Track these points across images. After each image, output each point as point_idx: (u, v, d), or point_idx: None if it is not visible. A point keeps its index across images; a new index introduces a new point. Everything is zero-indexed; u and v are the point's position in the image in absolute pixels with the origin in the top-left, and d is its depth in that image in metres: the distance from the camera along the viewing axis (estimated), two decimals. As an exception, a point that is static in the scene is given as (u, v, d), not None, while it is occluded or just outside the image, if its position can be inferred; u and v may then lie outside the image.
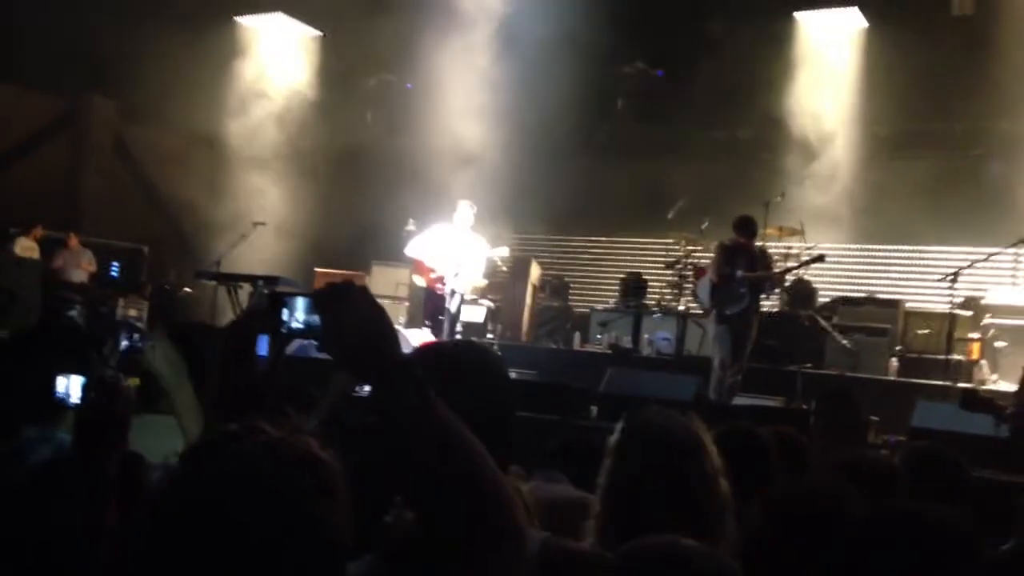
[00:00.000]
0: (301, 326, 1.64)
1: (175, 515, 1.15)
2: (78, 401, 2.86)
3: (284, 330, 1.72)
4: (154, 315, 12.45)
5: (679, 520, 2.04)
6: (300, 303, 1.70)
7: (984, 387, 9.07)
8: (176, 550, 1.13)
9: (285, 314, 1.72)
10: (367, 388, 1.31)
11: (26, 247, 12.72)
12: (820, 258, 8.92)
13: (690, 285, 10.62)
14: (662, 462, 2.18)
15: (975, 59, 10.47)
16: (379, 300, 1.38)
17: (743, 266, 8.55)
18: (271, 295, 1.62)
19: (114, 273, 14.09)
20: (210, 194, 13.80)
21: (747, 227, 8.61)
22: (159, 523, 1.16)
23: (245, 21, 14.30)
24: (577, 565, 1.57)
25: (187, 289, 13.50)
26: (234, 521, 1.12)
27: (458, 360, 1.72)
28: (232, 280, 9.93)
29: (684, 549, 1.50)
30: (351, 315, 1.32)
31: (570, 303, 12.85)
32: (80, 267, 13.07)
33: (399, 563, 1.41)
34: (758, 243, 9.25)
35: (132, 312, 13.19)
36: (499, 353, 1.75)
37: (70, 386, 2.96)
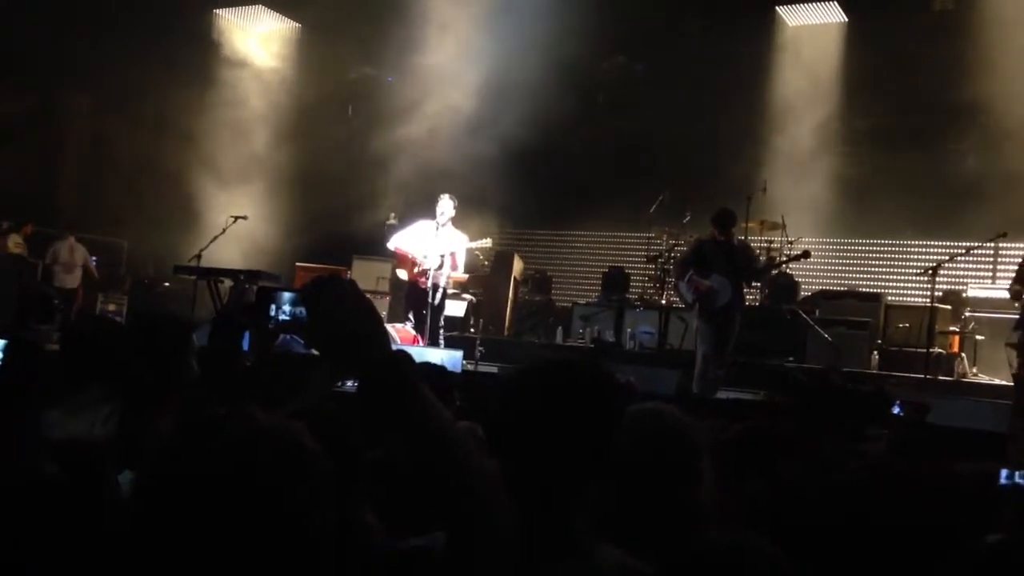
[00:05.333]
0: (287, 318, 1.62)
1: (156, 493, 1.18)
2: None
3: (271, 325, 1.70)
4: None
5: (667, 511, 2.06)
6: (286, 298, 1.68)
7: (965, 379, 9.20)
8: (153, 527, 1.16)
9: (272, 309, 1.69)
10: (349, 383, 1.30)
11: (17, 243, 12.64)
12: (805, 255, 8.90)
13: (672, 279, 10.59)
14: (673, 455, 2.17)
15: (955, 53, 10.51)
16: (360, 295, 1.36)
17: (720, 263, 8.53)
18: (259, 290, 1.62)
19: (95, 264, 13.94)
20: (189, 188, 13.66)
21: (719, 221, 8.56)
22: (140, 499, 1.20)
23: (225, 14, 14.17)
24: None
25: (166, 284, 13.39)
26: (214, 502, 1.14)
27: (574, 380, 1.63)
28: (212, 274, 9.84)
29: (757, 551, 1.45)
30: (339, 308, 1.31)
31: (552, 297, 12.84)
32: (77, 265, 12.99)
33: None
34: (740, 237, 9.30)
35: (112, 307, 13.12)
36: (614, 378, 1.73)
37: None
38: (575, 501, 1.54)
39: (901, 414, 6.01)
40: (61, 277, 12.73)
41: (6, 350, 2.97)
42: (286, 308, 1.69)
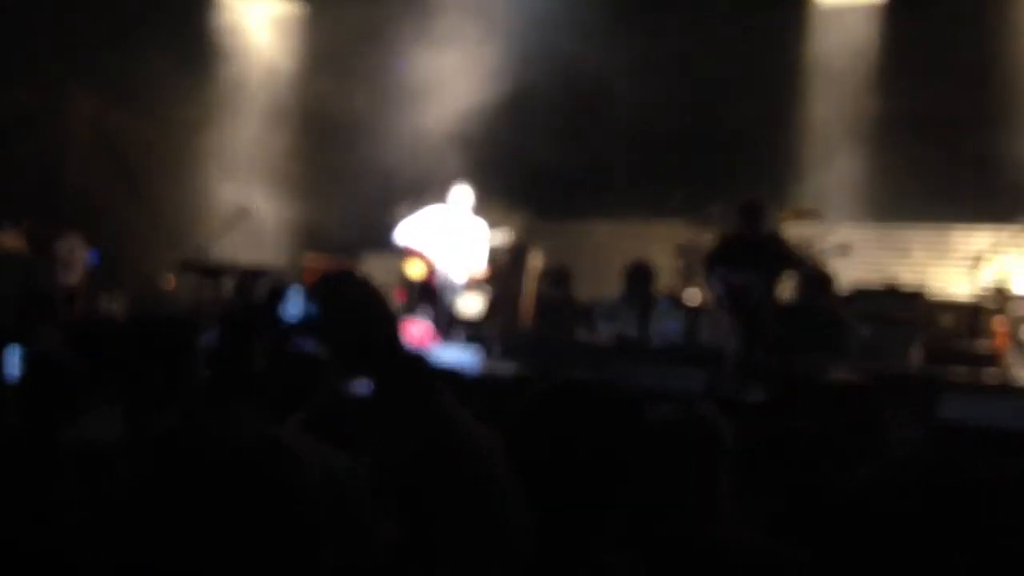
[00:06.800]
0: (298, 318, 1.40)
1: (136, 496, 1.21)
2: (16, 373, 3.02)
3: (283, 326, 1.59)
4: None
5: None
6: (296, 296, 1.48)
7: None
8: (136, 523, 1.19)
9: (283, 308, 1.61)
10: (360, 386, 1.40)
11: (15, 240, 12.52)
12: (844, 249, 8.75)
13: (700, 274, 10.40)
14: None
15: (998, 36, 10.41)
16: (373, 289, 1.27)
17: (750, 257, 8.37)
18: (270, 290, 1.38)
19: (95, 261, 13.87)
20: (194, 182, 13.64)
21: (745, 215, 8.53)
22: (123, 501, 1.27)
23: (229, 1, 14.15)
24: None
25: (171, 281, 13.29)
26: (192, 502, 1.17)
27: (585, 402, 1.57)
28: (217, 271, 9.88)
29: None
30: (351, 307, 1.26)
31: (572, 292, 12.55)
32: (77, 263, 12.81)
33: None
34: (771, 228, 9.17)
35: (115, 305, 13.03)
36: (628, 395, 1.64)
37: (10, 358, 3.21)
38: (600, 524, 1.53)
39: None
40: (61, 275, 12.62)
41: (25, 360, 3.07)
42: (297, 306, 1.50)
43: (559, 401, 1.60)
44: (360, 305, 1.28)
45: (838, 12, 11.92)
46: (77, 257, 12.84)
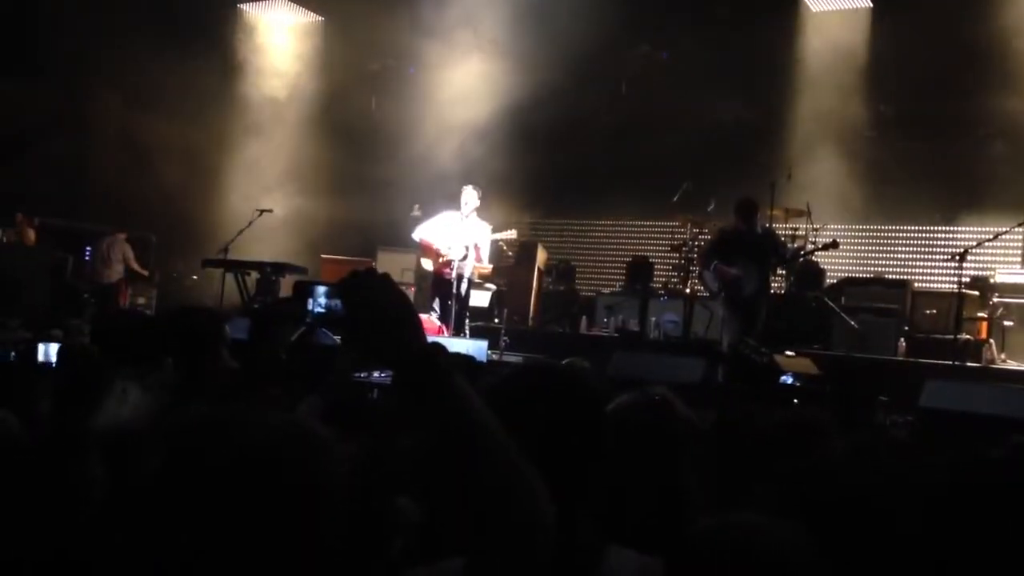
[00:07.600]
0: (323, 312, 1.63)
1: (166, 481, 1.18)
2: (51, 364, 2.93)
3: (309, 319, 1.73)
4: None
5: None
6: (321, 291, 1.70)
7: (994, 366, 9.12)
8: (166, 508, 1.16)
9: (307, 304, 1.71)
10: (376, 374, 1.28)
11: (22, 236, 12.74)
12: (834, 244, 8.90)
13: (696, 268, 10.56)
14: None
15: (981, 38, 10.40)
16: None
17: (745, 251, 8.55)
18: (296, 284, 1.63)
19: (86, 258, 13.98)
20: (215, 182, 13.80)
21: (740, 210, 8.61)
22: (153, 486, 1.20)
23: (249, 8, 14.29)
24: None
25: (194, 277, 13.52)
26: (222, 485, 1.14)
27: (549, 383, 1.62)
28: (239, 267, 9.97)
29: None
30: (376, 303, 1.30)
31: (576, 287, 12.82)
32: (115, 261, 13.03)
33: None
34: (765, 224, 9.32)
35: (141, 300, 13.25)
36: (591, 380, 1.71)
37: (48, 352, 3.11)
38: (578, 505, 1.51)
39: (796, 383, 6.79)
40: (100, 272, 12.86)
41: (60, 356, 3.06)
42: (321, 301, 1.69)
43: (520, 378, 1.65)
44: (382, 301, 1.30)
45: (829, 18, 11.99)
46: (114, 255, 13.10)
